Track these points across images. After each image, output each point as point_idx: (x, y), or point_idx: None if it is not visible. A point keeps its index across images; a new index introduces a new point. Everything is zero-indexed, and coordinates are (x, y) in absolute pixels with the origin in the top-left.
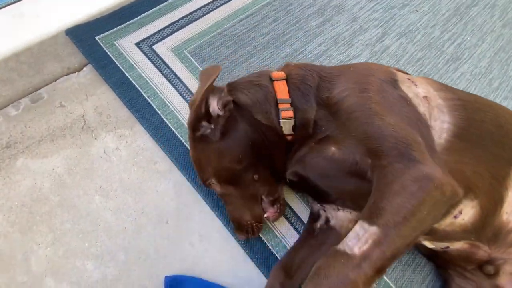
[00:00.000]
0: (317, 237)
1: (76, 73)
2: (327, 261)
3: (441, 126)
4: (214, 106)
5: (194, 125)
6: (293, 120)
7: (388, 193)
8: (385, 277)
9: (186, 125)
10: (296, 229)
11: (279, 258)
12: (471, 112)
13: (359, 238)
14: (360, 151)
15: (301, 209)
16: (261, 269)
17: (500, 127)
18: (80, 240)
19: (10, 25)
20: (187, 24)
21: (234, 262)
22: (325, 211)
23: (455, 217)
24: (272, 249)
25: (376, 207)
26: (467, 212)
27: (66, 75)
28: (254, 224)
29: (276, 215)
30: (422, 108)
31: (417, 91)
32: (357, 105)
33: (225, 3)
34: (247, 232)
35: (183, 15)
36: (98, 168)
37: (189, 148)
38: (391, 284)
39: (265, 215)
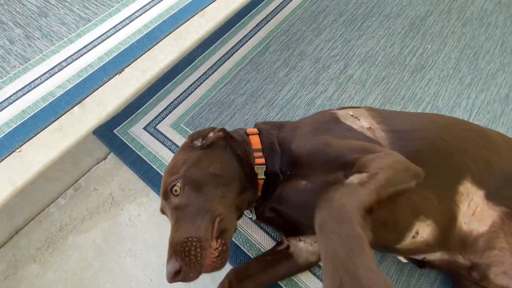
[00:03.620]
0: (274, 256)
1: (103, 161)
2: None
3: None
4: (210, 134)
5: (193, 137)
6: (265, 166)
7: (369, 162)
8: None
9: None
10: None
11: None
12: (409, 142)
13: (353, 177)
14: (329, 174)
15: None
16: None
17: (437, 152)
18: None
19: (54, 137)
20: (180, 103)
21: None
22: (288, 240)
23: (413, 237)
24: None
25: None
26: (423, 230)
27: (96, 164)
28: (197, 245)
29: (215, 261)
30: (370, 134)
31: (361, 124)
32: (313, 147)
33: (207, 78)
34: (183, 257)
35: (176, 96)
36: (126, 233)
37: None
38: None
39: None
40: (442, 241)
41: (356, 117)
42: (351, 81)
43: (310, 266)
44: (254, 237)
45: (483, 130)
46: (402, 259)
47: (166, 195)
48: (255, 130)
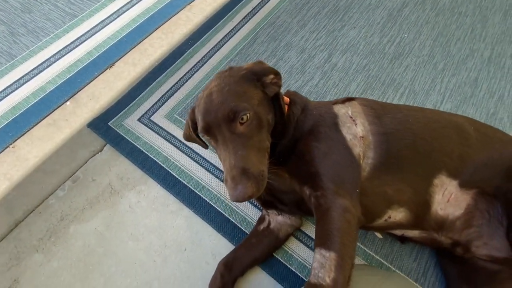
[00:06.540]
0: (258, 238)
1: (99, 153)
2: None
3: (366, 162)
4: (268, 79)
5: (254, 72)
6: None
7: (326, 221)
8: (375, 255)
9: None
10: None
11: (280, 260)
12: (391, 144)
13: (324, 267)
14: (300, 186)
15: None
16: (266, 271)
17: (415, 152)
18: (123, 278)
19: (48, 132)
20: (172, 94)
21: None
22: (268, 215)
23: (386, 220)
24: (276, 256)
25: (324, 234)
26: (395, 215)
27: (92, 156)
28: (264, 175)
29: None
30: (358, 149)
31: (356, 132)
32: (307, 151)
33: (198, 69)
34: (258, 184)
35: (168, 88)
36: (127, 219)
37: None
38: (382, 261)
39: None
40: (416, 223)
41: (353, 119)
42: (335, 69)
43: (289, 237)
44: (250, 215)
45: (459, 125)
46: (378, 235)
47: (227, 117)
48: (287, 99)
